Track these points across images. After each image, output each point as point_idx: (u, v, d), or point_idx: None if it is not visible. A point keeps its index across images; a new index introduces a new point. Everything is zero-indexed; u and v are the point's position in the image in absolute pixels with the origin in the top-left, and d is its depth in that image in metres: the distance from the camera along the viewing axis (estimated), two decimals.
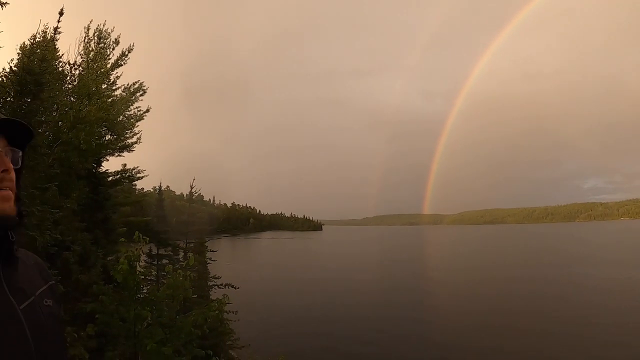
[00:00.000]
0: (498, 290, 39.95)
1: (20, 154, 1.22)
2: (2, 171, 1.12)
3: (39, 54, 10.91)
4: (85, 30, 15.54)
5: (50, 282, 1.37)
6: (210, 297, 18.17)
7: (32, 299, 1.20)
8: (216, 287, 20.48)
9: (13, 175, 1.16)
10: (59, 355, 1.23)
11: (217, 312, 7.10)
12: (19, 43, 12.00)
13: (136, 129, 19.31)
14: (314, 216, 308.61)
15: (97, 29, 15.81)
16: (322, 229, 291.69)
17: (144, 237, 6.86)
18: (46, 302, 1.27)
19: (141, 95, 18.81)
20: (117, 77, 17.03)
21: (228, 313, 15.32)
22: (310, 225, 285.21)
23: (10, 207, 1.13)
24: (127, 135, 18.94)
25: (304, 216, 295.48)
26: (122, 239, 8.26)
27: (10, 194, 1.14)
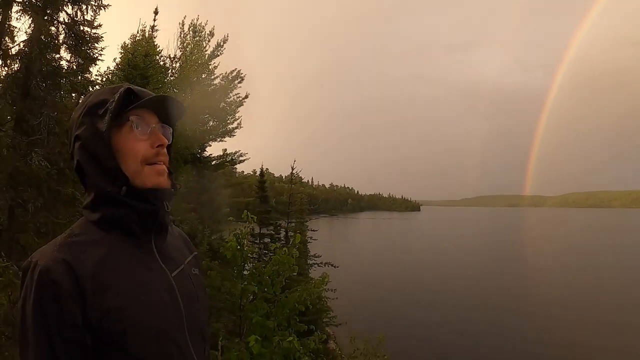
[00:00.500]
0: (601, 283, 36.18)
1: (171, 130, 1.27)
2: (158, 146, 1.18)
3: (141, 50, 11.77)
4: (180, 25, 16.59)
5: (195, 253, 1.44)
6: (310, 275, 18.64)
7: (181, 267, 1.27)
8: (316, 265, 20.99)
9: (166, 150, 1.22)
10: (204, 321, 1.30)
11: (321, 288, 7.24)
12: (120, 43, 13.16)
13: (237, 115, 20.15)
14: (412, 196, 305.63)
15: (191, 23, 16.76)
16: (420, 210, 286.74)
17: (251, 216, 7.12)
18: (194, 270, 1.34)
19: (239, 82, 19.57)
20: (215, 67, 17.92)
21: (327, 291, 15.62)
22: (408, 206, 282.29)
23: (165, 180, 1.19)
24: (229, 121, 19.86)
25: (402, 196, 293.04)
26: (231, 218, 8.68)
27: (165, 168, 1.21)
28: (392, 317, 25.35)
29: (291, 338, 5.84)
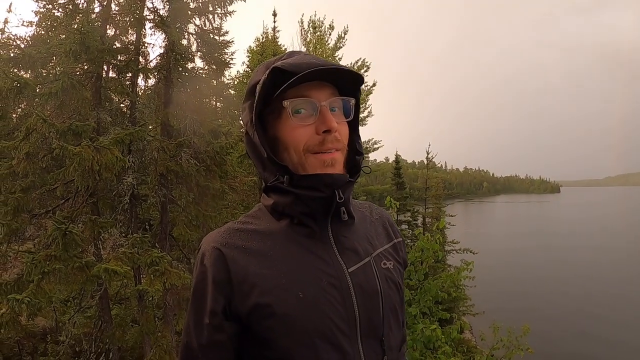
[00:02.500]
0: None
1: (353, 101, 1.07)
2: (324, 132, 0.99)
3: (269, 51, 12.33)
4: (300, 23, 17.16)
5: (395, 241, 1.25)
6: (448, 262, 18.12)
7: (366, 260, 1.09)
8: (454, 252, 20.36)
9: (340, 131, 1.04)
10: (391, 322, 1.09)
11: (464, 276, 6.93)
12: (245, 47, 14.02)
13: (367, 103, 20.47)
14: (551, 177, 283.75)
15: (310, 20, 17.26)
16: (559, 191, 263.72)
17: (394, 202, 7.06)
18: (385, 264, 1.14)
19: (365, 71, 19.85)
20: (340, 59, 18.24)
21: (465, 279, 14.90)
22: (546, 187, 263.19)
23: (335, 169, 1.02)
24: (360, 110, 20.08)
25: (539, 177, 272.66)
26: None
27: (335, 156, 1.02)
28: (534, 309, 23.07)
29: (434, 326, 5.65)
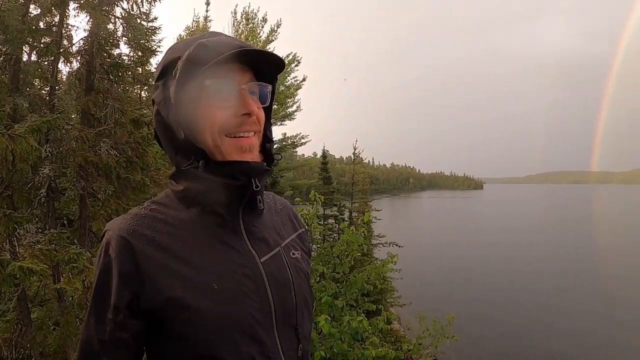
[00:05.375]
0: None
1: (270, 88, 1.05)
2: (243, 114, 0.97)
3: None
4: (233, 14, 16.84)
5: (300, 230, 1.26)
6: (374, 255, 18.57)
7: (276, 250, 1.09)
8: (380, 245, 20.89)
9: (259, 115, 1.01)
10: (303, 311, 1.11)
11: (389, 268, 7.16)
12: (176, 35, 13.54)
13: (296, 98, 20.49)
14: (475, 174, 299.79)
15: (243, 11, 16.97)
16: (483, 188, 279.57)
17: (319, 196, 7.09)
18: (293, 254, 1.15)
19: (296, 65, 19.87)
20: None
21: (392, 271, 15.48)
22: (470, 184, 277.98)
23: (251, 156, 1.00)
24: (288, 104, 20.07)
25: (464, 174, 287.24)
26: (298, 199, 8.71)
27: (252, 142, 1.00)
28: (458, 299, 24.45)
29: (360, 318, 5.79)
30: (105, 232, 0.98)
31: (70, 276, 5.68)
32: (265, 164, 1.06)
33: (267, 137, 1.09)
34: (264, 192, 1.13)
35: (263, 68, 1.03)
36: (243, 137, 0.98)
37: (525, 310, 22.89)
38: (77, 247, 5.84)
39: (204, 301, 0.93)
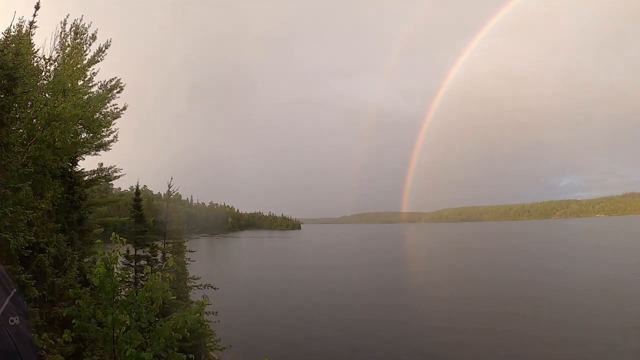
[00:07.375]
0: (476, 289, 41.38)
1: None
2: None
3: (13, 48, 10.53)
4: (62, 24, 15.17)
5: (12, 292, 1.15)
6: (190, 298, 17.97)
7: None
8: (195, 287, 20.24)
9: None
10: None
11: (197, 314, 6.95)
12: None
13: (113, 127, 19.00)
14: (292, 215, 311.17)
15: (73, 23, 15.43)
16: (300, 228, 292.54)
17: (121, 237, 6.65)
18: (12, 320, 1.07)
19: (118, 92, 18.50)
20: (94, 74, 16.68)
21: (208, 314, 15.21)
22: (288, 224, 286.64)
23: None
24: (104, 134, 18.56)
25: (282, 215, 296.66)
26: (99, 241, 7.98)
27: None
28: (276, 337, 25.65)
29: None
30: None
31: None
32: None
33: None
34: None
35: None
36: None
37: (338, 340, 25.04)
38: None
39: None
